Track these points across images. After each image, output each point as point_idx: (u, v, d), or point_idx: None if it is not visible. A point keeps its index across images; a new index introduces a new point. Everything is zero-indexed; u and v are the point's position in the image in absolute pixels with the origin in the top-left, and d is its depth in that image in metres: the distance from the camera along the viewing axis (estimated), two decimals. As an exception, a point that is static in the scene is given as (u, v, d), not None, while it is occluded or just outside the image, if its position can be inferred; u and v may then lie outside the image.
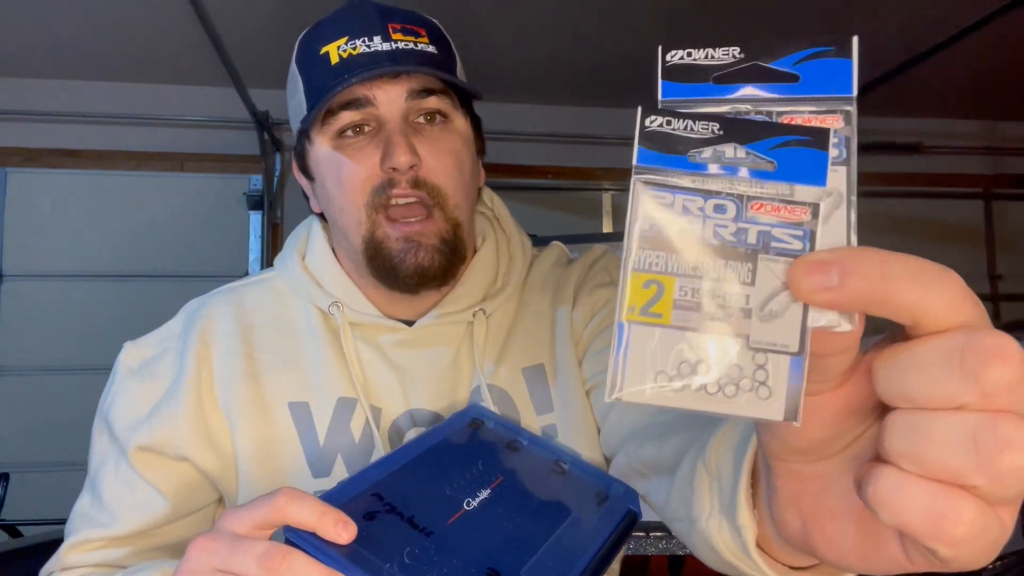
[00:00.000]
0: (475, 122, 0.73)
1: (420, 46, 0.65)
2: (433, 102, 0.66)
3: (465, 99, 0.71)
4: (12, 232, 2.83)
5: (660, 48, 0.28)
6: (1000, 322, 3.19)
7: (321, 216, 0.77)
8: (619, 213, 3.25)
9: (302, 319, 0.73)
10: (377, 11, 0.66)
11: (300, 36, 0.71)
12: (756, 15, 2.46)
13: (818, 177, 0.26)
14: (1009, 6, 1.98)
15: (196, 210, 2.95)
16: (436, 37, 0.68)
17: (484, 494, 0.50)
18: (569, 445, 0.70)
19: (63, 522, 0.71)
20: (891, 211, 3.40)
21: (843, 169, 0.26)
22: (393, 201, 0.65)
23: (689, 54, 0.28)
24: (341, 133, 0.66)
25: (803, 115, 0.27)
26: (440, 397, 0.70)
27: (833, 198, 0.26)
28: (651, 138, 0.27)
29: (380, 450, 0.67)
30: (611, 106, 3.23)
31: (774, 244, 0.26)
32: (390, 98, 0.64)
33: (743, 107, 0.28)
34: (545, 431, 0.70)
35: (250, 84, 2.58)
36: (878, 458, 0.25)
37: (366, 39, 0.64)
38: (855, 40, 0.27)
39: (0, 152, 2.85)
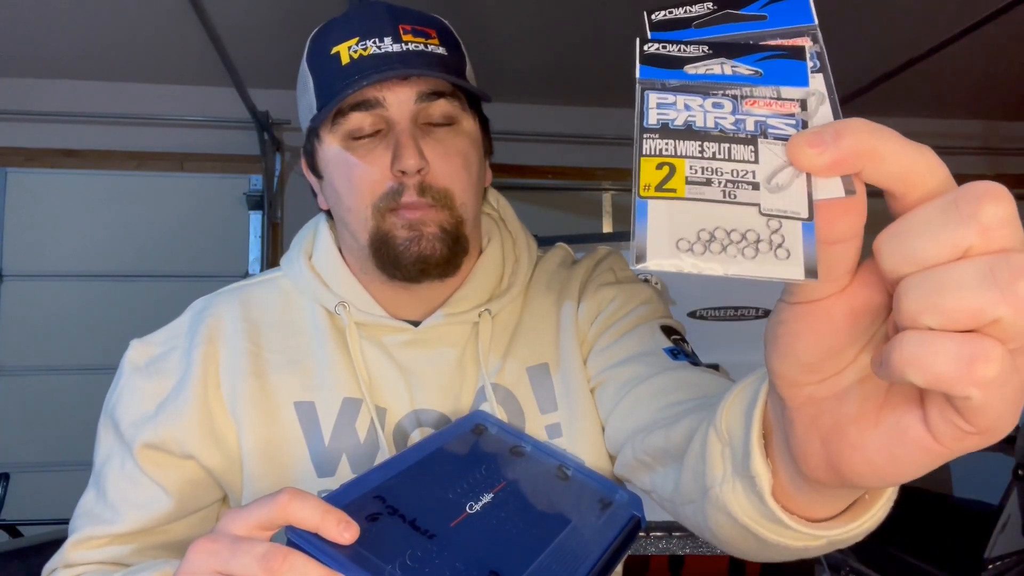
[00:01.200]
0: (483, 123, 0.74)
1: (430, 47, 0.66)
2: (441, 105, 0.66)
3: (474, 100, 0.71)
4: (12, 232, 2.83)
5: (645, 12, 0.32)
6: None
7: (327, 214, 0.77)
8: (619, 213, 3.25)
9: (308, 318, 0.73)
10: (388, 12, 0.67)
11: (311, 35, 0.71)
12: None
13: (801, 80, 0.29)
14: (1009, 6, 1.98)
15: (196, 210, 2.95)
16: (446, 38, 0.68)
17: (487, 498, 0.50)
18: (573, 443, 0.70)
19: (63, 522, 0.71)
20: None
21: (820, 75, 0.30)
22: (400, 210, 0.66)
23: (670, 12, 0.32)
24: (351, 134, 0.66)
25: (775, 40, 0.30)
26: (445, 397, 0.70)
27: (816, 96, 0.29)
28: (650, 59, 0.30)
29: (385, 451, 0.67)
30: (611, 106, 3.23)
31: (771, 131, 0.28)
32: (399, 100, 0.65)
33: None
34: (549, 430, 0.71)
35: (250, 84, 2.58)
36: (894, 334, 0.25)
37: (376, 40, 0.64)
38: (807, 48, 0.30)
39: (0, 152, 2.85)
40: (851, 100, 2.87)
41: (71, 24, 2.44)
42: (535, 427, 0.70)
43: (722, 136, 0.28)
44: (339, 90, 0.64)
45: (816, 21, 0.30)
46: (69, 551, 0.67)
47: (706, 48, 0.30)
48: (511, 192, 3.11)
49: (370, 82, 0.62)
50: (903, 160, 0.26)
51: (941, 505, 1.70)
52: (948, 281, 0.24)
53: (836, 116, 0.28)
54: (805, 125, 0.28)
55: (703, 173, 0.28)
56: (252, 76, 2.62)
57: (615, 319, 0.73)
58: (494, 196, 0.81)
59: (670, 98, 0.29)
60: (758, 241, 0.26)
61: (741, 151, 0.28)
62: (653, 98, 0.29)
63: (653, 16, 0.32)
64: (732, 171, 0.28)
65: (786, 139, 0.28)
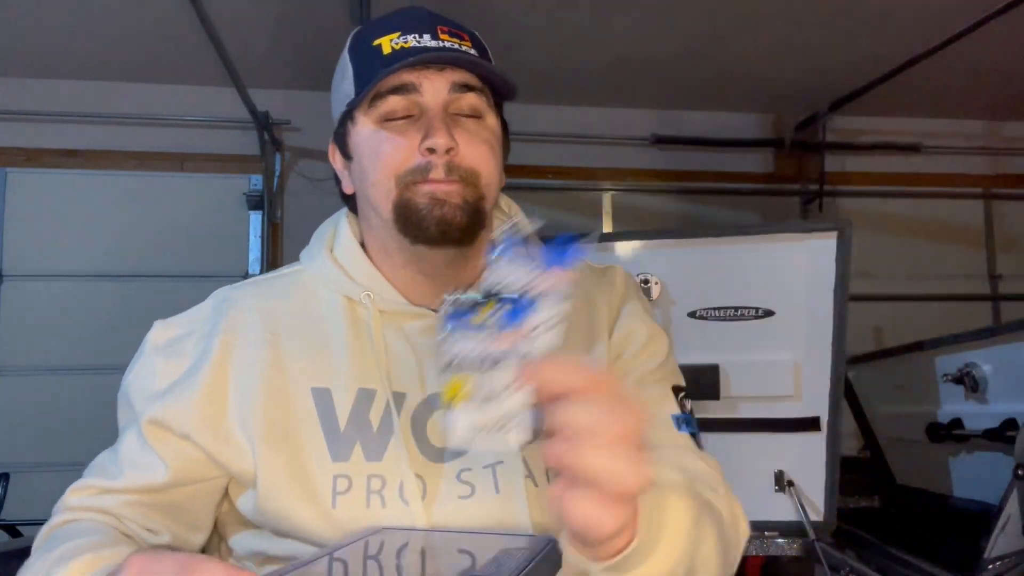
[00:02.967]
0: (504, 125, 0.78)
1: (464, 48, 0.72)
2: (471, 98, 0.72)
3: (497, 103, 0.77)
4: (12, 232, 2.83)
5: (446, 295, 0.50)
6: (1000, 322, 3.19)
7: (349, 207, 0.81)
8: (619, 213, 3.25)
9: (328, 308, 0.76)
10: (428, 14, 0.73)
11: (353, 32, 0.77)
12: (757, 14, 2.46)
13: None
14: (1009, 6, 1.98)
15: (196, 210, 2.95)
16: (478, 45, 0.75)
17: None
18: None
19: (64, 522, 0.72)
20: (891, 211, 3.40)
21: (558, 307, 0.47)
22: (427, 186, 0.69)
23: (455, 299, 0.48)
24: (385, 115, 0.71)
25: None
26: None
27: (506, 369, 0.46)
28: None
29: (399, 436, 0.70)
30: (611, 106, 3.23)
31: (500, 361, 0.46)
32: (435, 88, 0.70)
33: None
34: None
35: (250, 84, 2.58)
36: None
37: (416, 35, 0.71)
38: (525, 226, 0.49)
39: (0, 152, 2.85)
40: (851, 100, 2.87)
41: (71, 24, 2.44)
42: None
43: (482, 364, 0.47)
44: (378, 75, 0.69)
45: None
46: (69, 495, 0.72)
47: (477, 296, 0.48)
48: (511, 192, 3.10)
49: (409, 64, 0.68)
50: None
51: (941, 505, 1.70)
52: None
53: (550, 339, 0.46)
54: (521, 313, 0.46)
55: (477, 390, 0.46)
56: (252, 76, 2.62)
57: (639, 363, 0.80)
58: (505, 201, 0.84)
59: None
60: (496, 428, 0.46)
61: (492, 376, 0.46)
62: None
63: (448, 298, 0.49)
64: (492, 387, 0.46)
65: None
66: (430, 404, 0.72)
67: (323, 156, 3.41)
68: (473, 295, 0.47)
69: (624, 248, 1.58)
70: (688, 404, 0.79)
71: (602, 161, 3.23)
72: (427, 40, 0.70)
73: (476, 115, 0.72)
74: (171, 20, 2.38)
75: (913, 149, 3.36)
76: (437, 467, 0.70)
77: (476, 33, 0.76)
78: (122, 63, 2.76)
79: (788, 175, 3.34)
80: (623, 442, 0.43)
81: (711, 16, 2.46)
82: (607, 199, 3.25)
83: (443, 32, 0.72)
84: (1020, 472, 1.27)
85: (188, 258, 2.90)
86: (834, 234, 1.47)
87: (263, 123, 2.82)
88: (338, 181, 0.82)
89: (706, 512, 0.60)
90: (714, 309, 1.54)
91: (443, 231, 0.69)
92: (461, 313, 0.47)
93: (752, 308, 1.53)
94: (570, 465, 0.43)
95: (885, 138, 3.34)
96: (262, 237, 2.94)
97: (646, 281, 1.52)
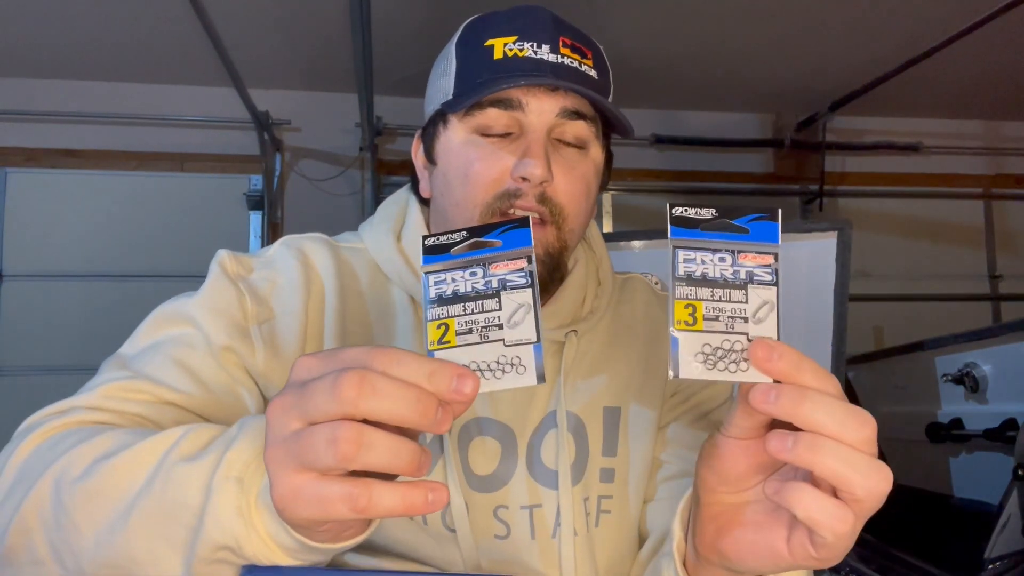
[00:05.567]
0: (608, 157, 0.72)
1: (583, 67, 0.64)
2: (579, 126, 0.65)
3: (605, 132, 0.70)
4: (12, 232, 2.83)
5: (668, 204, 0.44)
6: (1000, 322, 3.19)
7: (418, 198, 0.74)
8: (619, 213, 3.25)
9: (393, 303, 0.70)
10: (553, 21, 0.65)
11: (467, 20, 0.69)
12: (757, 14, 2.46)
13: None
14: (1009, 6, 1.98)
15: (196, 210, 2.95)
16: (599, 63, 0.67)
17: None
18: (622, 493, 0.70)
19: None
20: (891, 211, 3.40)
21: (774, 288, 0.42)
22: (513, 210, 0.63)
23: (685, 209, 0.43)
24: (481, 128, 0.64)
25: (751, 252, 0.43)
26: (512, 410, 0.68)
27: (768, 306, 0.42)
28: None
29: (450, 452, 0.65)
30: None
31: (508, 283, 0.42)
32: (541, 109, 0.63)
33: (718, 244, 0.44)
34: (603, 473, 0.70)
35: (250, 84, 2.58)
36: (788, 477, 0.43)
37: (535, 44, 0.63)
38: (779, 211, 0.43)
39: (0, 152, 2.85)
40: (851, 100, 2.87)
41: (71, 24, 2.44)
42: (594, 466, 0.69)
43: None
44: (484, 82, 0.62)
45: (780, 242, 0.42)
46: (93, 395, 0.60)
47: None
48: (511, 192, 3.10)
49: (518, 85, 0.61)
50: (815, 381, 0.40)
51: (941, 505, 1.70)
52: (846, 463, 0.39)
53: (779, 325, 0.42)
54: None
55: (470, 327, 0.41)
56: (252, 76, 2.62)
57: (696, 403, 0.76)
58: (593, 232, 0.80)
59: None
60: (505, 365, 0.40)
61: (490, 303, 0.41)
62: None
63: (674, 210, 0.43)
64: (483, 322, 0.41)
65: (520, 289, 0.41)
66: (479, 427, 0.67)
67: (323, 156, 3.40)
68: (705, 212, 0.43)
69: (624, 248, 1.58)
70: None
71: (602, 161, 3.23)
72: (545, 52, 0.63)
73: (580, 145, 0.65)
74: (171, 20, 2.37)
75: (913, 149, 3.36)
76: (475, 496, 0.65)
77: (600, 47, 0.69)
78: (122, 63, 2.76)
79: (788, 175, 3.34)
80: (867, 447, 0.39)
81: (711, 16, 2.46)
82: (607, 199, 3.25)
83: (564, 45, 0.64)
84: (1020, 472, 1.27)
85: (188, 258, 2.89)
86: (834, 234, 1.47)
87: (263, 123, 2.82)
88: (414, 177, 0.74)
89: None
90: (714, 309, 1.53)
91: None
92: (688, 229, 0.43)
93: (752, 308, 1.53)
94: (810, 461, 0.38)
95: (885, 138, 3.34)
96: (262, 237, 2.94)
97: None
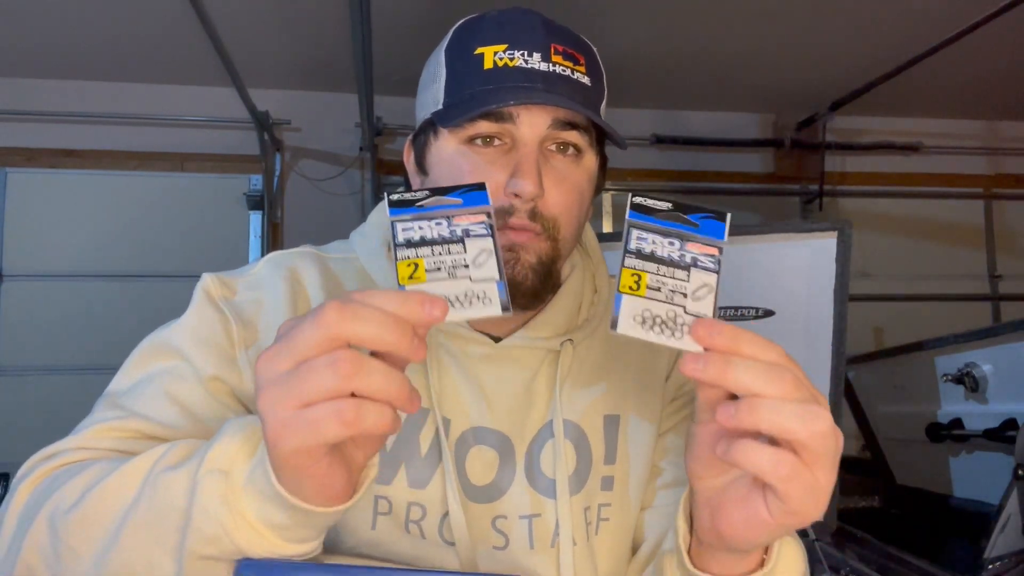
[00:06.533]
0: (602, 161, 0.71)
1: (576, 75, 0.63)
2: (572, 136, 0.64)
3: (600, 135, 0.69)
4: (12, 232, 2.83)
5: (631, 193, 0.48)
6: (1000, 322, 3.19)
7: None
8: (619, 213, 3.25)
9: None
10: (544, 26, 0.64)
11: (457, 24, 0.67)
12: (757, 14, 2.46)
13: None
14: (1010, 6, 1.98)
15: (196, 210, 2.95)
16: (592, 67, 0.66)
17: None
18: (619, 502, 0.70)
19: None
20: (891, 211, 3.40)
21: (716, 275, 0.46)
22: (505, 230, 0.62)
23: (645, 199, 0.48)
24: (472, 139, 0.63)
25: (699, 243, 0.47)
26: (510, 419, 0.68)
27: (707, 288, 0.46)
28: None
29: (448, 462, 0.64)
30: (611, 106, 3.21)
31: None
32: (533, 121, 0.62)
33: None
34: (604, 481, 0.70)
35: (250, 84, 2.58)
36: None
37: (525, 54, 0.62)
38: (729, 214, 0.48)
39: (0, 152, 2.85)
40: (851, 100, 2.87)
41: (71, 24, 2.44)
42: (596, 475, 0.69)
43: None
44: (475, 95, 0.62)
45: (726, 238, 0.47)
46: (85, 435, 0.61)
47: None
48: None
49: (507, 104, 0.60)
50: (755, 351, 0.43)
51: (941, 505, 1.70)
52: (770, 413, 0.41)
53: (714, 309, 0.45)
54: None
55: (439, 267, 0.45)
56: (252, 76, 2.62)
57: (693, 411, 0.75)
58: (588, 236, 0.79)
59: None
60: (472, 297, 0.45)
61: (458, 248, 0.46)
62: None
63: (635, 199, 0.48)
64: (452, 264, 0.45)
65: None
66: (476, 436, 0.66)
67: (323, 156, 3.41)
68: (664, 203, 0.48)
69: (624, 248, 1.58)
70: None
71: (602, 161, 3.23)
72: (536, 60, 0.61)
73: (573, 154, 0.65)
74: (171, 20, 2.37)
75: (913, 149, 3.36)
76: (473, 507, 0.65)
77: (593, 50, 0.68)
78: (122, 63, 2.76)
79: (788, 175, 3.34)
80: (796, 394, 0.41)
81: (711, 16, 2.46)
82: (607, 199, 3.25)
83: (556, 52, 0.62)
84: (1020, 472, 1.27)
85: (188, 258, 2.89)
86: (834, 234, 1.47)
87: (263, 123, 2.82)
88: (407, 181, 0.73)
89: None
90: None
91: (511, 295, 0.63)
92: (645, 215, 0.47)
93: (752, 308, 1.53)
94: (754, 422, 0.41)
95: (885, 138, 3.34)
96: (262, 237, 2.94)
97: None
